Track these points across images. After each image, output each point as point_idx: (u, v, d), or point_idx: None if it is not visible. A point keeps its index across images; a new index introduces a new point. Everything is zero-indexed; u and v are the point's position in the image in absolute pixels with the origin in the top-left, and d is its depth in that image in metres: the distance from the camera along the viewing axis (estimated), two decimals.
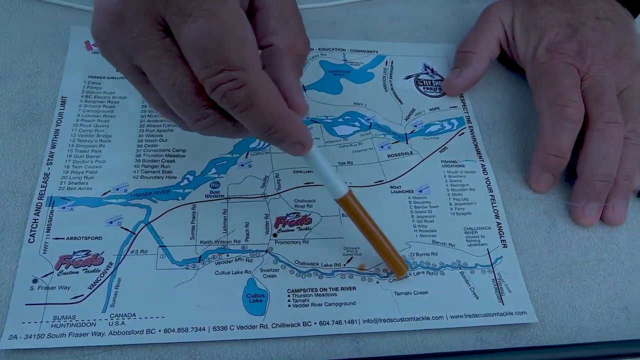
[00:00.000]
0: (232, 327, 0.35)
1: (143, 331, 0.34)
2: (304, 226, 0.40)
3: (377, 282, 0.38)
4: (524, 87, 0.49)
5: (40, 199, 0.38)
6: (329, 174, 0.34)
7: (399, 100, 0.48)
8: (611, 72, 0.44)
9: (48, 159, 0.40)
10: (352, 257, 0.39)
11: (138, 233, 0.38)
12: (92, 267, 0.36)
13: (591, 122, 0.43)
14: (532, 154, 0.44)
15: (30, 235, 0.37)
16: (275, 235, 0.39)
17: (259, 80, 0.28)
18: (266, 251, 0.38)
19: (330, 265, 0.38)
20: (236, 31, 0.28)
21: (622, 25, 0.47)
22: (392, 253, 0.37)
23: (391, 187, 0.43)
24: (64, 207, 0.38)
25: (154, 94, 0.31)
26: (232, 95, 0.28)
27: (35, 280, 0.35)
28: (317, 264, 0.38)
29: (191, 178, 0.41)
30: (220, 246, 0.38)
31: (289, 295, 0.37)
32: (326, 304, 0.37)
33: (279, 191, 0.41)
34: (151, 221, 0.39)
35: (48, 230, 0.37)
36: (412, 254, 0.40)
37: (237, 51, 0.27)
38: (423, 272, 0.39)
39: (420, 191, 0.43)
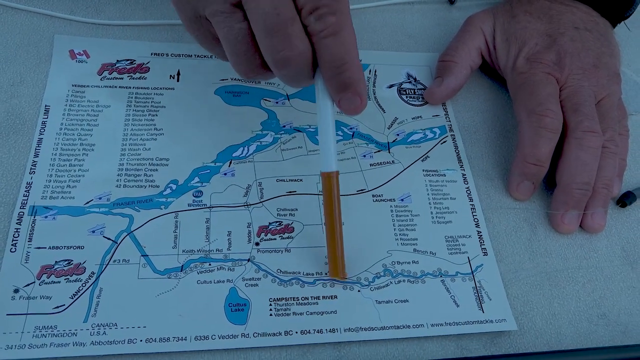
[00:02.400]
0: (213, 337, 0.35)
1: (124, 341, 0.34)
2: (286, 235, 0.40)
3: (359, 291, 0.38)
4: (506, 96, 0.50)
5: (23, 209, 0.38)
6: (332, 144, 0.36)
7: (382, 109, 0.48)
8: (589, 82, 0.45)
9: (31, 168, 0.40)
10: None
11: (120, 242, 0.38)
12: (74, 277, 0.36)
13: (569, 131, 0.43)
14: (512, 162, 0.45)
15: (12, 245, 0.37)
16: (257, 244, 0.39)
17: (348, 17, 0.33)
18: (248, 260, 0.39)
19: (312, 274, 0.39)
20: None
21: (601, 35, 0.48)
22: (339, 252, 0.37)
23: (373, 195, 0.43)
24: (46, 217, 0.38)
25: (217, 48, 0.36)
26: (326, 18, 0.32)
27: (16, 290, 0.35)
28: (299, 273, 0.39)
29: (174, 187, 0.41)
30: (203, 255, 0.38)
31: (270, 305, 0.37)
32: (308, 313, 0.37)
33: (261, 200, 0.41)
34: (133, 230, 0.39)
35: (30, 240, 0.37)
36: (393, 263, 0.40)
37: None
38: (404, 281, 0.39)
39: (402, 200, 0.43)
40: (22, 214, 0.38)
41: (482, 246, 0.42)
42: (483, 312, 0.39)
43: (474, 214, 0.43)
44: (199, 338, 0.35)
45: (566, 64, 0.45)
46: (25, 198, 0.39)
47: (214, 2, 0.32)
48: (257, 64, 0.34)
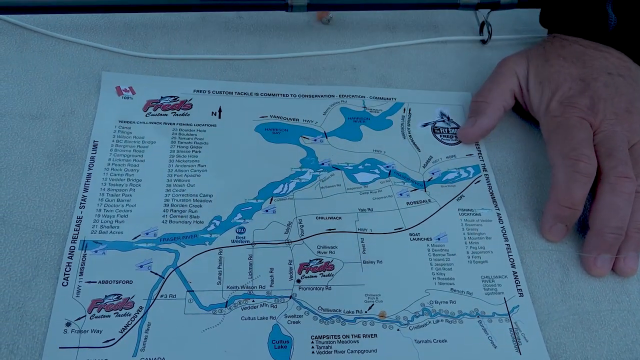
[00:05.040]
0: None
1: None
2: (326, 272, 0.41)
3: (398, 330, 0.39)
4: (538, 137, 0.51)
5: (74, 243, 0.39)
6: None
7: (417, 147, 0.49)
8: (622, 127, 0.46)
9: (81, 203, 0.41)
10: (373, 304, 0.40)
11: (167, 277, 0.39)
12: (123, 311, 0.37)
13: (603, 176, 0.44)
14: (545, 204, 0.46)
15: (64, 279, 0.38)
16: (299, 281, 0.40)
17: None
18: (290, 297, 0.40)
19: (352, 312, 0.40)
20: None
21: (633, 80, 0.49)
22: None
23: (410, 234, 0.44)
24: (96, 251, 0.39)
25: None
26: None
27: (68, 324, 0.36)
28: (340, 311, 0.40)
29: (218, 223, 0.42)
30: (246, 291, 0.39)
31: (312, 342, 0.38)
32: (349, 351, 0.38)
33: (302, 237, 0.42)
34: (179, 266, 0.40)
35: (81, 274, 0.38)
36: (431, 302, 0.41)
37: None
38: (442, 320, 0.40)
39: (439, 239, 0.44)
40: (73, 248, 0.39)
41: (518, 287, 0.42)
42: (520, 354, 0.39)
43: (510, 254, 0.44)
44: None
45: (600, 109, 0.46)
46: (76, 232, 0.40)
47: None
48: None
